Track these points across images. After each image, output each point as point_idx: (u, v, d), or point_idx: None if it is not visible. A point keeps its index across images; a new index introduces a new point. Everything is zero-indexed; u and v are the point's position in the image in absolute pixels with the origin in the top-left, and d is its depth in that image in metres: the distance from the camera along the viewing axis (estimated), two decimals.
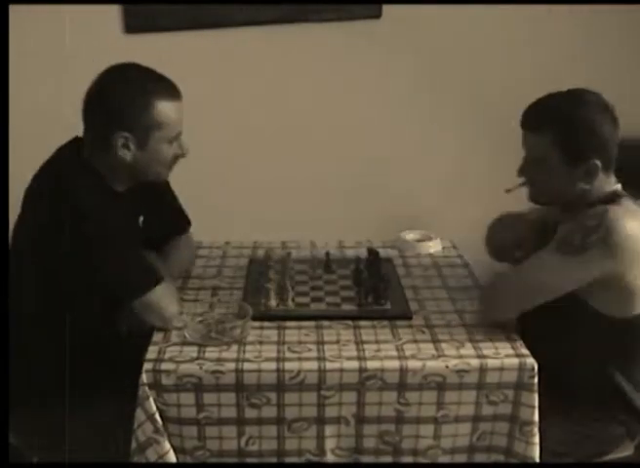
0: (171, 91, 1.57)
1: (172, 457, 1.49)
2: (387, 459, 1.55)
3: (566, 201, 1.63)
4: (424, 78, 2.80)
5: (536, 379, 1.48)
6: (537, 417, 1.50)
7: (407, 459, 1.54)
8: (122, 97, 1.53)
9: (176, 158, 1.64)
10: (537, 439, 1.51)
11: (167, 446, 1.48)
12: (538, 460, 1.52)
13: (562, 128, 1.56)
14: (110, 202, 1.60)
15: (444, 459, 1.55)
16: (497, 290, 1.62)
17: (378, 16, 2.69)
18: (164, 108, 1.54)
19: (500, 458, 1.55)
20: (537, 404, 1.49)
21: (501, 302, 1.59)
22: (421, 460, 1.54)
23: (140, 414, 1.46)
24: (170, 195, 1.89)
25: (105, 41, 2.62)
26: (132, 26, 2.62)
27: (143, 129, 1.54)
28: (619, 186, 1.65)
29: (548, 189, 1.64)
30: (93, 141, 1.60)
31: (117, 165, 1.59)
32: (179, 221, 1.94)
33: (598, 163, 1.58)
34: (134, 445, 1.48)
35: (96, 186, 1.58)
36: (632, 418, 1.63)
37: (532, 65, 2.85)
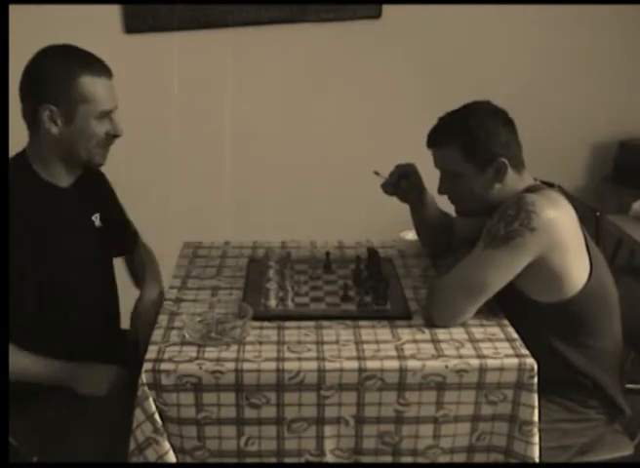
0: (97, 67, 1.57)
1: (171, 457, 1.49)
2: (387, 460, 1.54)
3: (488, 206, 1.68)
4: (424, 78, 2.80)
5: (535, 379, 1.48)
6: (536, 417, 1.50)
7: (406, 459, 1.54)
8: (46, 71, 1.54)
9: (109, 137, 1.62)
10: (536, 439, 1.51)
11: (166, 445, 1.48)
12: (537, 460, 1.52)
13: (464, 138, 1.65)
14: (47, 199, 1.60)
15: (443, 459, 1.55)
16: (440, 296, 1.63)
17: (378, 16, 2.69)
18: (88, 83, 1.54)
19: (500, 458, 1.55)
20: (536, 404, 1.49)
21: (449, 307, 1.61)
22: (421, 460, 1.54)
23: (139, 414, 1.46)
24: (116, 209, 1.90)
25: (105, 41, 2.61)
26: (132, 26, 2.62)
27: (68, 102, 1.53)
28: (536, 182, 1.71)
29: (470, 199, 1.71)
30: (26, 122, 1.60)
31: (48, 144, 1.58)
32: (125, 240, 1.95)
33: (505, 160, 1.64)
34: (132, 445, 1.47)
35: (31, 187, 1.60)
36: (604, 403, 1.69)
37: (532, 65, 2.85)
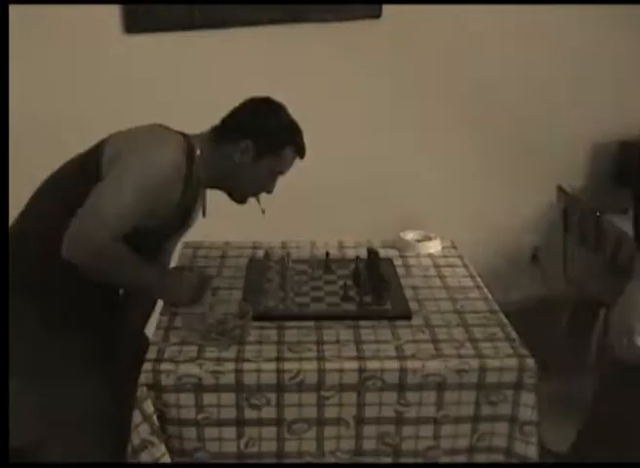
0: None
1: (167, 461, 1.47)
2: (387, 461, 1.54)
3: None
4: (424, 78, 2.80)
5: (534, 380, 1.48)
6: (536, 417, 1.50)
7: (407, 460, 1.54)
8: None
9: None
10: (536, 439, 1.51)
11: (162, 448, 1.45)
12: (537, 460, 1.52)
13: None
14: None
15: (444, 460, 1.55)
16: None
17: (378, 16, 2.69)
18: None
19: (500, 459, 1.54)
20: (536, 404, 1.49)
21: None
22: (421, 461, 1.54)
23: (136, 416, 1.44)
24: None
25: (105, 41, 2.62)
26: (132, 26, 2.61)
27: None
28: None
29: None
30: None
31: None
32: None
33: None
34: (129, 448, 1.46)
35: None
36: None
37: (532, 65, 2.85)
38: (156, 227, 1.68)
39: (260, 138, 1.70)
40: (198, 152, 1.70)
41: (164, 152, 1.63)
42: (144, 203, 1.59)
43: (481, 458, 1.56)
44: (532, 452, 1.51)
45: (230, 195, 1.81)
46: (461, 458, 1.55)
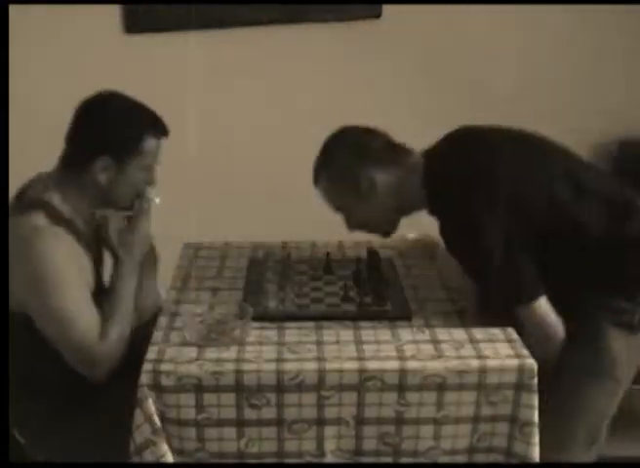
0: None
1: (169, 459, 1.48)
2: (387, 461, 1.54)
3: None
4: (424, 78, 2.80)
5: (535, 380, 1.48)
6: (537, 418, 1.50)
7: (407, 461, 1.54)
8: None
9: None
10: (537, 439, 1.51)
11: (164, 447, 1.47)
12: (537, 460, 1.52)
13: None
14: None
15: (444, 460, 1.55)
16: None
17: (378, 16, 2.69)
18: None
19: (500, 459, 1.54)
20: (537, 404, 1.49)
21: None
22: (422, 461, 1.54)
23: (138, 416, 1.45)
24: None
25: (105, 41, 2.62)
26: (132, 26, 2.62)
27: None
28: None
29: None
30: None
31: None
32: None
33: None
34: (132, 446, 1.47)
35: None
36: None
37: (532, 66, 2.85)
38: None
39: (111, 146, 1.56)
40: (56, 201, 1.57)
41: (40, 254, 1.50)
42: (76, 289, 1.54)
43: (481, 458, 1.55)
44: (532, 453, 1.51)
45: (117, 208, 1.69)
46: (462, 459, 1.55)
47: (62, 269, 1.52)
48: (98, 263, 1.74)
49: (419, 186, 1.70)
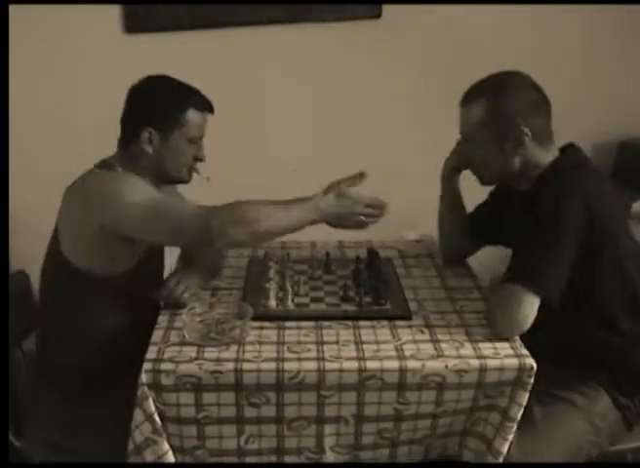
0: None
1: (170, 458, 1.49)
2: (385, 451, 1.56)
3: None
4: (424, 78, 2.80)
5: (532, 379, 1.48)
6: (519, 416, 1.51)
7: (403, 448, 1.56)
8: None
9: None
10: (511, 436, 1.52)
11: (165, 446, 1.48)
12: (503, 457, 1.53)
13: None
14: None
15: (438, 443, 1.57)
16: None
17: (378, 16, 2.69)
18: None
19: (483, 448, 1.56)
20: (524, 403, 1.50)
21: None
22: (417, 447, 1.56)
23: (138, 415, 1.46)
24: None
25: (105, 41, 2.62)
26: (132, 26, 2.62)
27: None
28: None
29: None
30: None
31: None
32: None
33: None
34: (131, 445, 1.47)
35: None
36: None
37: (532, 65, 2.85)
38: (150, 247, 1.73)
39: (155, 119, 1.66)
40: (120, 171, 1.68)
41: (123, 184, 1.61)
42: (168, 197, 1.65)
43: (472, 443, 1.57)
44: (504, 449, 1.53)
45: (172, 182, 1.78)
46: (454, 441, 1.58)
47: (147, 187, 1.62)
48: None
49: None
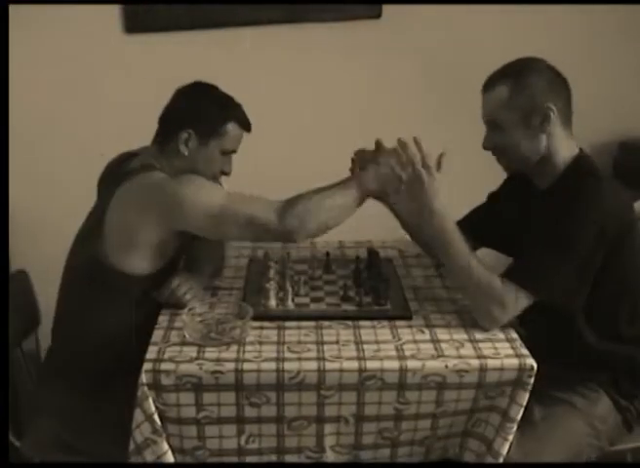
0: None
1: (170, 458, 1.49)
2: (385, 451, 1.56)
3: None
4: (424, 78, 2.80)
5: (532, 379, 1.48)
6: (520, 416, 1.51)
7: (404, 449, 1.56)
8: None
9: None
10: (511, 437, 1.52)
11: (165, 446, 1.48)
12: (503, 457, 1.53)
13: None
14: None
15: (439, 445, 1.57)
16: None
17: (378, 16, 2.69)
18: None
19: (483, 450, 1.56)
20: (524, 403, 1.50)
21: None
22: (418, 448, 1.56)
23: (138, 415, 1.46)
24: None
25: (105, 41, 2.62)
26: (132, 26, 2.61)
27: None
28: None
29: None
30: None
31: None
32: None
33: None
34: (132, 445, 1.47)
35: None
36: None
37: None
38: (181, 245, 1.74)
39: (197, 123, 1.68)
40: (158, 168, 1.69)
41: (185, 186, 1.63)
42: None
43: (473, 444, 1.57)
44: (504, 449, 1.53)
45: None
46: (455, 442, 1.58)
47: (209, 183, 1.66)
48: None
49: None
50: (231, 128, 1.71)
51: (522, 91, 1.64)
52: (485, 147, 1.74)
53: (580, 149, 1.73)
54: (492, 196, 1.95)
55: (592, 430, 1.67)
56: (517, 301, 1.56)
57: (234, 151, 1.76)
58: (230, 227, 1.62)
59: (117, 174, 1.72)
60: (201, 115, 1.69)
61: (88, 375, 1.69)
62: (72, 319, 1.74)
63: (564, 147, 1.67)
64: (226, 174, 1.78)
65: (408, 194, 1.68)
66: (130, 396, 1.51)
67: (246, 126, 1.75)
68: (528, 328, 1.68)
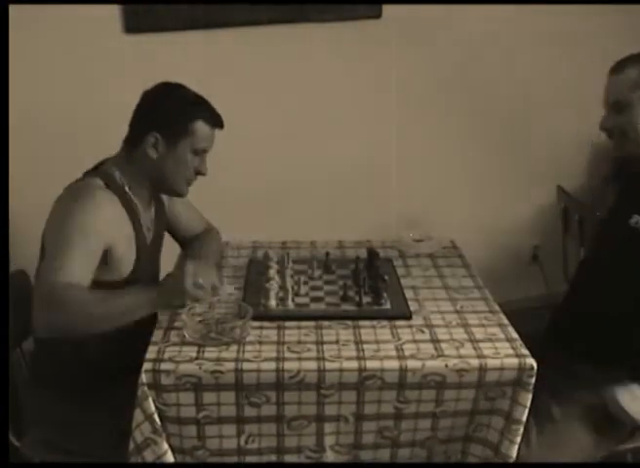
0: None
1: (170, 458, 1.49)
2: (386, 452, 1.56)
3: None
4: (424, 78, 2.80)
5: (533, 379, 1.48)
6: (525, 417, 1.51)
7: (404, 451, 1.55)
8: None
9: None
10: (519, 439, 1.52)
11: (165, 446, 1.48)
12: (514, 459, 1.53)
13: None
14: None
15: (440, 448, 1.57)
16: None
17: (378, 16, 2.69)
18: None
19: (490, 455, 1.55)
20: (529, 404, 1.50)
21: None
22: (419, 450, 1.56)
23: (138, 415, 1.46)
24: None
25: (105, 41, 2.61)
26: (132, 26, 2.61)
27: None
28: None
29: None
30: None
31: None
32: None
33: None
34: (131, 445, 1.47)
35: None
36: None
37: (532, 65, 2.85)
38: (138, 262, 1.69)
39: (164, 124, 1.65)
40: (117, 175, 1.68)
41: (81, 203, 1.58)
42: (87, 250, 1.55)
43: (476, 449, 1.57)
44: (512, 451, 1.53)
45: (168, 192, 1.79)
46: (457, 446, 1.57)
47: (91, 224, 1.56)
48: (154, 246, 1.81)
49: None
50: (199, 126, 1.66)
51: None
52: (603, 128, 1.75)
53: None
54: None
55: (606, 429, 1.68)
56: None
57: (206, 150, 1.72)
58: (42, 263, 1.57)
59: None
60: (166, 116, 1.65)
61: (68, 379, 1.69)
62: None
63: None
64: (202, 173, 1.73)
65: None
66: (115, 397, 1.53)
67: (215, 123, 1.70)
68: (565, 327, 1.69)
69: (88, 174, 1.71)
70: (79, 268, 1.53)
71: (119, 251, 1.64)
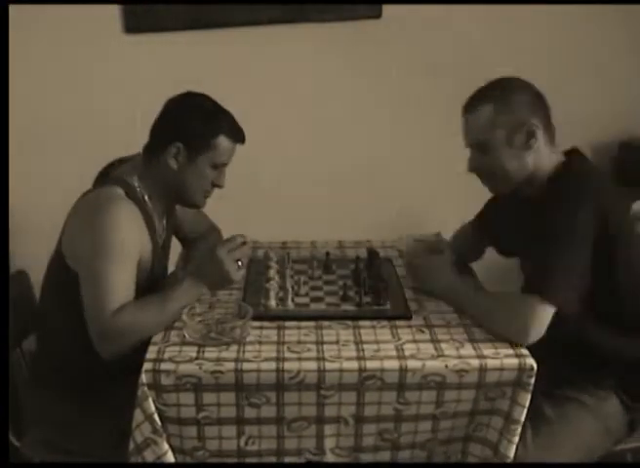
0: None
1: (170, 458, 1.49)
2: (386, 454, 1.55)
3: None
4: (425, 78, 2.80)
5: (533, 379, 1.48)
6: (523, 418, 1.51)
7: (405, 453, 1.55)
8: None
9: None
10: (517, 439, 1.52)
11: (165, 446, 1.48)
12: (511, 459, 1.53)
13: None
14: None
15: (440, 449, 1.57)
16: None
17: (378, 16, 2.69)
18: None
19: (490, 455, 1.55)
20: (527, 404, 1.50)
21: None
22: (419, 452, 1.56)
23: (138, 415, 1.46)
24: None
25: (105, 41, 2.62)
26: (132, 26, 2.62)
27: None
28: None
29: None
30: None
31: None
32: None
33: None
34: (131, 445, 1.48)
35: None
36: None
37: (532, 65, 2.84)
38: (152, 268, 1.72)
39: (186, 136, 1.65)
40: (137, 184, 1.68)
41: (109, 218, 1.58)
42: (125, 265, 1.58)
43: (475, 448, 1.57)
44: (510, 451, 1.53)
45: (185, 203, 1.79)
46: (457, 447, 1.57)
47: (124, 239, 1.58)
48: (164, 250, 1.83)
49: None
50: (221, 141, 1.67)
51: (506, 109, 1.62)
52: (470, 170, 1.72)
53: (574, 151, 1.73)
54: (487, 206, 1.96)
55: (603, 428, 1.67)
56: (544, 311, 1.54)
57: (226, 164, 1.73)
58: (86, 281, 1.58)
59: (96, 181, 1.74)
60: (190, 130, 1.66)
61: (69, 379, 1.70)
62: (46, 321, 1.75)
63: (548, 159, 1.66)
64: (219, 186, 1.74)
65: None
66: (115, 397, 1.54)
67: (237, 138, 1.71)
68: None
69: (105, 181, 1.70)
70: (124, 287, 1.57)
71: (142, 259, 1.66)
